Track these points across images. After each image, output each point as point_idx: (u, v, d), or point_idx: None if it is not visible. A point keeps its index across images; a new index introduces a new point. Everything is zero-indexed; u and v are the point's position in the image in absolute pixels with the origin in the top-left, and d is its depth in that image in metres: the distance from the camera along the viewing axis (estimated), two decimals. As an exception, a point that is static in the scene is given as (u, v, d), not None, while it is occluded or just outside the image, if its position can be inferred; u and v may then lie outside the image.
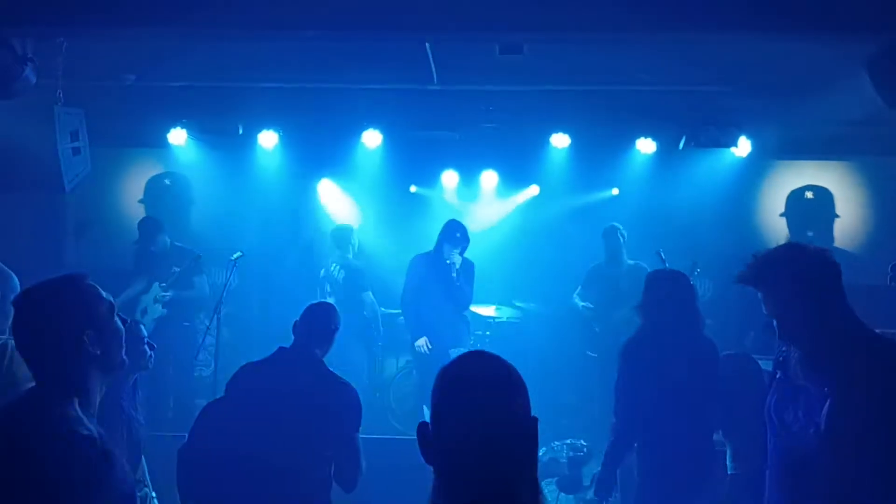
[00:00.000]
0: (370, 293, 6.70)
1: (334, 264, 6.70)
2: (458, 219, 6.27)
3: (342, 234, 6.82)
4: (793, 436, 2.57)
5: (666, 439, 3.64)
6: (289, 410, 3.10)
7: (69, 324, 1.88)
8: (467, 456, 1.37)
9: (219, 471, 2.96)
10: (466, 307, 6.16)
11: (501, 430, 1.36)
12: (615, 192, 7.79)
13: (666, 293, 3.70)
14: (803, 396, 2.54)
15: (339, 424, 3.18)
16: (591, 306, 6.67)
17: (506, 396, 1.40)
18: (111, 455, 1.81)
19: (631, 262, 6.58)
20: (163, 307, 6.35)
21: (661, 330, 3.66)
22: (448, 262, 5.93)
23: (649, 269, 6.20)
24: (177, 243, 6.65)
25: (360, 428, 3.25)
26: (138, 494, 2.82)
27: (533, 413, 1.42)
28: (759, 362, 5.28)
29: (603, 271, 6.68)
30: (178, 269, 6.38)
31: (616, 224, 6.62)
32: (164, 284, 6.36)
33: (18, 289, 2.81)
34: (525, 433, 1.39)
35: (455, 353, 5.46)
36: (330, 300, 5.46)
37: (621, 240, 6.55)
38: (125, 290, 6.33)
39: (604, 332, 6.53)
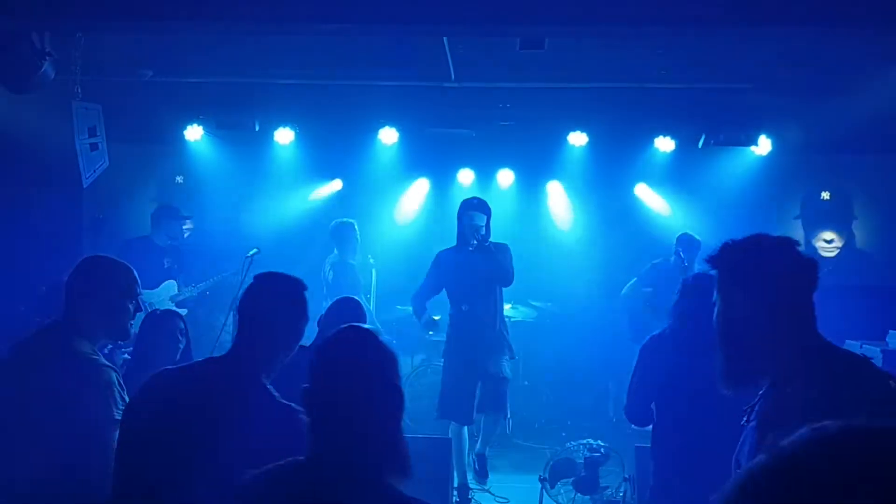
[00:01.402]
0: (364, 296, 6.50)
1: (328, 265, 6.51)
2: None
3: (342, 232, 6.53)
4: None
5: (679, 442, 3.59)
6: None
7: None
8: (322, 407, 1.62)
9: None
10: (508, 282, 5.37)
11: (355, 390, 1.59)
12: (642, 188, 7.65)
13: (705, 301, 3.64)
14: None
15: None
16: (651, 290, 6.45)
17: (366, 361, 1.62)
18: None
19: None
20: (177, 306, 6.35)
21: (691, 334, 3.61)
22: (473, 238, 5.20)
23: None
24: (171, 240, 6.69)
25: None
26: None
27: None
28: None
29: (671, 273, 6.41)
30: (175, 266, 6.41)
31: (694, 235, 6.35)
32: (190, 286, 6.39)
33: None
34: (379, 395, 1.60)
35: (493, 366, 5.32)
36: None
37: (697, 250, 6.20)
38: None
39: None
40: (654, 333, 3.75)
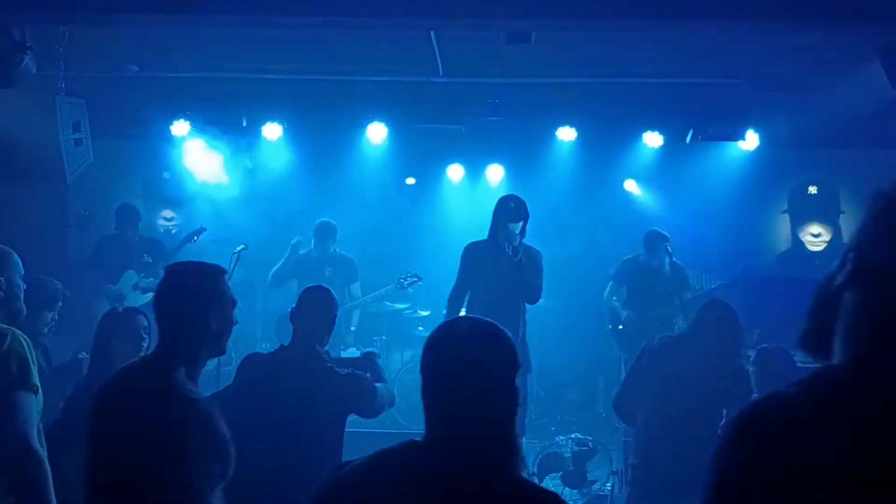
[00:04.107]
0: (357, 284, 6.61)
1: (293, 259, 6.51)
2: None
3: (317, 229, 6.54)
4: None
5: (660, 444, 3.61)
6: (292, 414, 3.07)
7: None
8: (438, 396, 1.64)
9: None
10: (534, 299, 5.01)
11: (469, 382, 1.60)
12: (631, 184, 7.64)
13: (717, 322, 3.72)
14: None
15: (344, 410, 3.19)
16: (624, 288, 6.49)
17: (479, 351, 1.62)
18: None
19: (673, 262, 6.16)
20: (143, 293, 6.30)
21: (696, 345, 3.66)
22: (506, 243, 4.81)
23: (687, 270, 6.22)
24: (144, 234, 6.68)
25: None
26: None
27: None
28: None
29: (643, 268, 6.36)
30: (150, 260, 6.36)
31: (663, 231, 6.25)
32: (143, 274, 6.35)
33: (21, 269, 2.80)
34: (495, 385, 1.61)
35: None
36: None
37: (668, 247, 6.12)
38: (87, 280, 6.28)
39: (634, 330, 6.26)
40: (661, 335, 3.82)
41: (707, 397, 3.57)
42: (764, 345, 4.08)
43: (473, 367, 1.61)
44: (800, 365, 4.17)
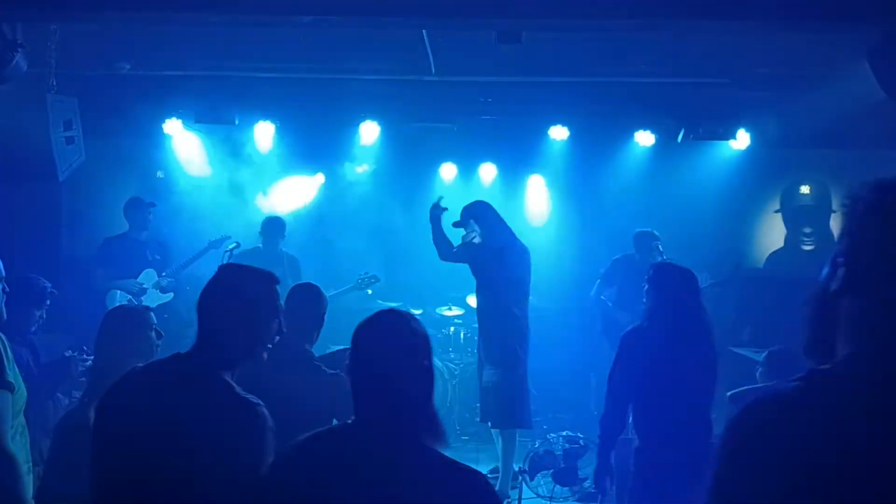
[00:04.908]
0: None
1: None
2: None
3: (266, 225, 6.47)
4: None
5: (662, 432, 3.62)
6: (279, 412, 3.06)
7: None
8: (364, 378, 1.84)
9: None
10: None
11: (387, 367, 1.81)
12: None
13: (674, 289, 3.68)
14: None
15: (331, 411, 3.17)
16: (615, 288, 6.48)
17: (402, 340, 1.83)
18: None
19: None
20: (164, 293, 6.29)
21: (666, 324, 3.65)
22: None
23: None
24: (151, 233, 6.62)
25: None
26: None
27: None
28: (756, 356, 5.30)
29: (637, 268, 6.40)
30: (158, 258, 6.35)
31: (653, 231, 6.29)
32: (164, 273, 6.34)
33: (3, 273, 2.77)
34: (412, 372, 1.81)
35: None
36: None
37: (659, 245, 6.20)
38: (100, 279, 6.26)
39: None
40: (631, 327, 3.79)
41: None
42: (774, 347, 4.10)
43: (390, 353, 1.82)
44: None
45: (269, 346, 2.24)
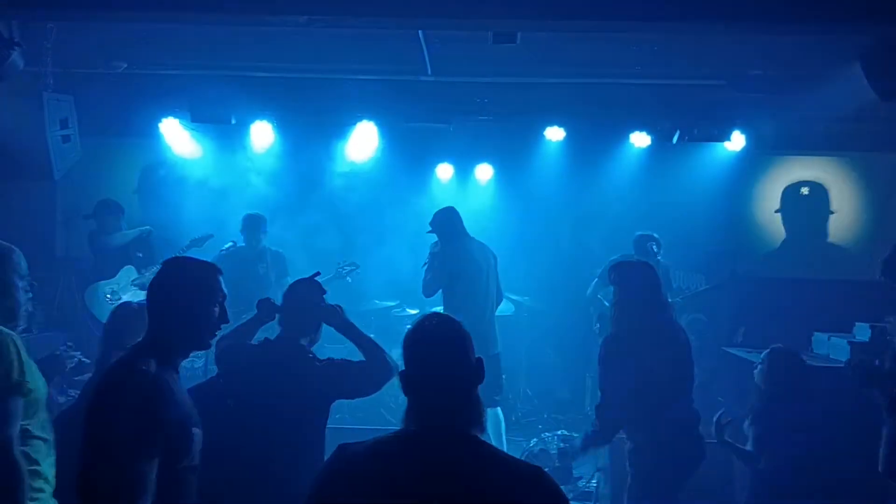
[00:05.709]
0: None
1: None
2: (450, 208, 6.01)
3: (246, 222, 6.42)
4: None
5: (651, 429, 3.66)
6: (273, 406, 3.08)
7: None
8: (423, 388, 1.93)
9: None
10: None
11: (448, 371, 1.92)
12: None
13: (637, 284, 3.71)
14: None
15: (327, 398, 3.21)
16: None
17: (451, 346, 1.95)
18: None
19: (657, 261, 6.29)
20: (141, 289, 6.28)
21: (637, 321, 3.68)
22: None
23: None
24: (133, 231, 6.62)
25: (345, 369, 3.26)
26: None
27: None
28: (750, 356, 5.33)
29: None
30: (141, 255, 6.35)
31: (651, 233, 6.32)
32: (143, 270, 6.33)
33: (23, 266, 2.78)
34: (467, 372, 1.93)
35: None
36: None
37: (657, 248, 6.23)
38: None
39: None
40: (607, 335, 3.80)
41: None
42: (775, 345, 4.13)
43: (445, 354, 1.94)
44: (808, 364, 4.28)
45: (216, 333, 2.37)
